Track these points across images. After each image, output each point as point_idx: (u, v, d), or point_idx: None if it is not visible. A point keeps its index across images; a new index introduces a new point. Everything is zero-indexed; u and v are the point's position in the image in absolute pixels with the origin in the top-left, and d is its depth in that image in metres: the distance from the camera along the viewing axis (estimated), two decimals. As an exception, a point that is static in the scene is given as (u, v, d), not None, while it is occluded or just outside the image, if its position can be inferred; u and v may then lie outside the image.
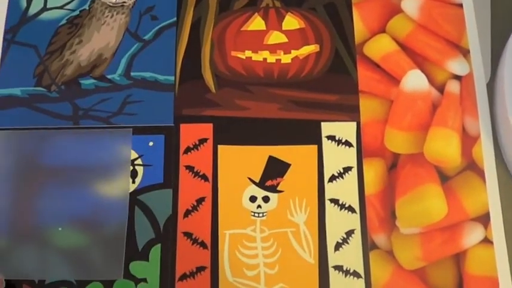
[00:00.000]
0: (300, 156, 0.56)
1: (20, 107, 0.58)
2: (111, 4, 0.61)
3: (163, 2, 0.61)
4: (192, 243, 0.54)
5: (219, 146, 0.56)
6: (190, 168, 0.56)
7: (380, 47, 0.59)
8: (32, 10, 0.61)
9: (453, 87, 0.58)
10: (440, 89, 0.58)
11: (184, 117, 0.57)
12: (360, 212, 0.54)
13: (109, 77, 0.59)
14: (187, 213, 0.55)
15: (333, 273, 0.53)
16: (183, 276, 0.53)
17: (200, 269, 0.53)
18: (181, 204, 0.55)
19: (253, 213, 0.54)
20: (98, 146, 0.56)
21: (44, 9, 0.61)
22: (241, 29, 0.60)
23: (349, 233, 0.54)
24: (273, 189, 0.55)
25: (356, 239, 0.54)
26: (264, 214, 0.54)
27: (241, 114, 0.57)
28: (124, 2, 0.61)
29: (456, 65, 0.58)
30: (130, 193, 0.55)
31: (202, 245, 0.54)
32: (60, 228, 0.54)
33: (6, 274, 0.53)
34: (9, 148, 0.56)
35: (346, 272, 0.53)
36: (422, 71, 0.58)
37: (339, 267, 0.53)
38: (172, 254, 0.53)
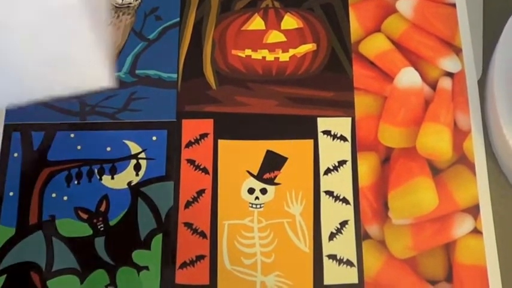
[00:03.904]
0: (297, 150, 0.58)
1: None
2: (117, 5, 0.63)
3: (167, 3, 0.63)
4: (192, 233, 0.56)
5: (219, 141, 0.58)
6: (191, 161, 0.58)
7: (375, 46, 0.61)
8: (42, 11, 0.63)
9: (445, 84, 0.60)
10: (433, 85, 0.59)
11: (186, 113, 0.59)
12: (353, 204, 0.56)
13: (115, 74, 0.61)
14: (188, 204, 0.56)
15: (327, 262, 0.54)
16: (183, 265, 0.55)
17: (200, 257, 0.55)
18: (182, 196, 0.57)
19: (251, 205, 0.56)
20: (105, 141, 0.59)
21: (54, 10, 0.64)
22: (242, 29, 0.62)
23: (343, 224, 0.56)
24: (271, 181, 0.57)
25: (350, 229, 0.55)
26: (262, 205, 0.56)
27: (240, 110, 0.59)
28: (130, 3, 0.63)
29: (448, 63, 0.60)
30: (134, 185, 0.57)
31: (202, 234, 0.56)
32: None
33: (14, 262, 0.55)
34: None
35: (340, 261, 0.55)
36: (416, 68, 0.60)
37: (332, 256, 0.55)
38: (173, 243, 0.55)
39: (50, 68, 0.43)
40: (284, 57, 0.61)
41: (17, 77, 0.43)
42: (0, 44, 0.41)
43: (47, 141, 0.59)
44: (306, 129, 0.58)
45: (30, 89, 0.44)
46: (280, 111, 0.59)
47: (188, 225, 0.56)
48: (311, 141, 0.58)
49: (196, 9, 0.63)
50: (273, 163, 0.57)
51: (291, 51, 0.61)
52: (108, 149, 0.58)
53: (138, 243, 0.55)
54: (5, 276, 0.55)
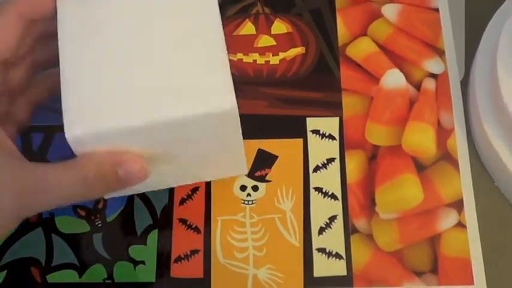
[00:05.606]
0: (287, 149, 0.60)
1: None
2: (113, 12, 0.65)
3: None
4: (187, 229, 0.57)
5: (213, 140, 0.60)
6: (185, 160, 0.59)
7: (362, 49, 0.63)
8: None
9: (429, 84, 0.62)
10: (417, 86, 0.62)
11: (180, 114, 0.61)
12: (342, 199, 0.58)
13: None
14: (182, 201, 0.58)
15: (316, 255, 0.56)
16: (178, 259, 0.56)
17: (194, 252, 0.56)
18: (177, 193, 0.58)
19: (243, 201, 0.58)
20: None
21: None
22: (233, 34, 0.64)
23: (332, 219, 0.57)
24: (262, 179, 0.59)
25: (338, 224, 0.57)
26: (253, 202, 0.58)
27: (233, 111, 0.61)
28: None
29: (432, 65, 0.62)
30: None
31: (196, 230, 0.57)
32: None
33: (14, 257, 0.57)
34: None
35: (329, 254, 0.56)
36: (401, 70, 0.62)
37: (322, 250, 0.56)
38: (168, 239, 0.57)
39: (202, 162, 0.54)
40: (274, 60, 0.63)
41: (180, 170, 0.54)
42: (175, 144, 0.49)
43: (46, 142, 0.61)
44: (295, 129, 0.60)
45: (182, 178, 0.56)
46: (271, 112, 0.61)
47: (183, 221, 0.57)
48: (300, 140, 0.60)
49: (189, 15, 0.65)
50: (264, 161, 0.59)
51: (281, 55, 0.63)
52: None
53: (135, 239, 0.57)
54: (5, 271, 0.56)
